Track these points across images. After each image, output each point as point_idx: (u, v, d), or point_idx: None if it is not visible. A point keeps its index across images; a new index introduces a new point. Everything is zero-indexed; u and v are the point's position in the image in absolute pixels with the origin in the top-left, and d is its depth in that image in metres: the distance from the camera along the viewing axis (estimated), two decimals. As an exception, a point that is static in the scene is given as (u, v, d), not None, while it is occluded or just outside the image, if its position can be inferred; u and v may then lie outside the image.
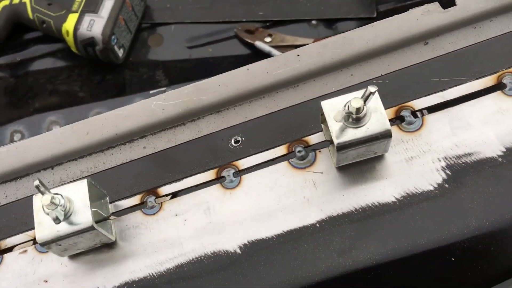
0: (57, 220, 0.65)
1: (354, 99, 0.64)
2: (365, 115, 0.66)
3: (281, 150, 0.74)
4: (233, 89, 0.82)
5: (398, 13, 1.60)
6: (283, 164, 0.73)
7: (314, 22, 1.56)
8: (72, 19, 1.42)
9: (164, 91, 1.40)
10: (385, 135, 0.66)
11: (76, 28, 1.40)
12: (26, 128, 1.38)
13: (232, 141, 0.77)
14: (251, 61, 1.45)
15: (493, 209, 0.65)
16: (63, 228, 0.66)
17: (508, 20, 0.80)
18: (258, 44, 1.45)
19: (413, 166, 0.70)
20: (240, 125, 0.78)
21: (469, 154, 0.69)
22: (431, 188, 0.68)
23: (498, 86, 0.72)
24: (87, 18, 1.42)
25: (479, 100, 0.72)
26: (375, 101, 0.66)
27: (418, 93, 0.74)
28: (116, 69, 1.46)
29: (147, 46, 1.49)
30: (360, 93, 0.66)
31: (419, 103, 0.73)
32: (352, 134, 0.66)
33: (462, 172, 0.68)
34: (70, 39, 1.41)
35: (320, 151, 0.73)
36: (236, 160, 0.75)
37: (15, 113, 1.41)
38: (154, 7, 1.55)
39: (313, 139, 0.74)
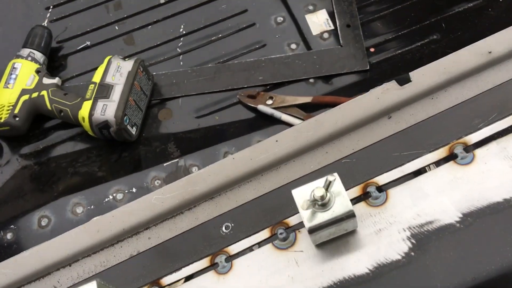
0: None
1: (316, 188, 0.73)
2: (329, 200, 0.74)
3: (265, 233, 0.83)
4: (222, 177, 0.91)
5: (389, 64, 1.68)
6: (268, 247, 0.81)
7: (311, 80, 1.65)
8: (86, 106, 1.53)
9: (177, 163, 1.51)
10: (349, 216, 0.74)
11: (91, 114, 1.51)
12: (52, 212, 1.48)
13: (223, 228, 0.86)
14: (255, 124, 1.56)
15: (455, 272, 0.73)
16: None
17: (461, 87, 0.88)
18: (261, 107, 1.55)
19: (382, 238, 0.77)
20: (229, 212, 0.87)
21: (430, 222, 0.76)
22: (399, 257, 0.75)
23: (451, 157, 0.80)
24: (100, 103, 1.53)
25: (435, 171, 0.79)
26: (338, 186, 0.75)
27: (381, 169, 0.82)
28: (131, 146, 1.56)
29: (158, 121, 1.60)
30: (323, 181, 0.74)
31: (383, 179, 0.81)
32: (321, 217, 0.74)
33: (425, 240, 0.75)
34: (86, 124, 1.52)
35: (300, 231, 0.81)
36: (227, 246, 0.84)
37: (41, 198, 1.52)
38: (161, 84, 1.66)
39: (293, 220, 0.82)
